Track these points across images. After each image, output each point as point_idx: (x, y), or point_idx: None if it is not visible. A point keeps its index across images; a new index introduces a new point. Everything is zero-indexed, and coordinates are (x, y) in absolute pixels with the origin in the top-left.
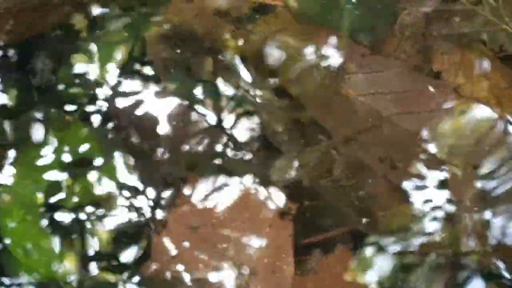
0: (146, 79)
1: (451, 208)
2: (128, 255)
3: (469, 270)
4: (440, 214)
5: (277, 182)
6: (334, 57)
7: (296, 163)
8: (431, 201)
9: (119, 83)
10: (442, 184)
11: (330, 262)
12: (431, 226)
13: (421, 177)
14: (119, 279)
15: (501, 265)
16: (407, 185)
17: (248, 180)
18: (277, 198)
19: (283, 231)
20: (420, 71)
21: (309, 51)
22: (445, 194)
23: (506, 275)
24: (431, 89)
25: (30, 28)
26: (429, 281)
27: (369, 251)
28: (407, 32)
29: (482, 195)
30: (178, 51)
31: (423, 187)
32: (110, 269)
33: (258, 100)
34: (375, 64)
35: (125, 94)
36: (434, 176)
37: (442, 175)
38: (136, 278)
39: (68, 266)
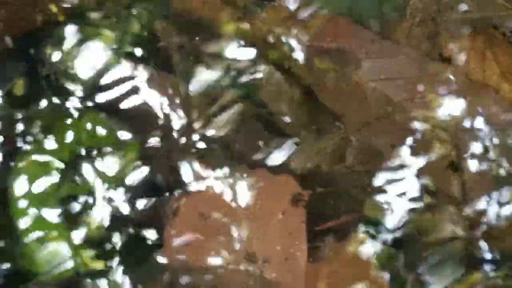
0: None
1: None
2: (138, 241)
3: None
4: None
5: (296, 169)
6: (343, 43)
7: (313, 151)
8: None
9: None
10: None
11: (342, 248)
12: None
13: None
14: (112, 265)
15: (484, 247)
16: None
17: (260, 166)
18: (290, 185)
19: (296, 218)
20: (431, 56)
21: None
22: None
23: (488, 256)
24: (442, 74)
25: (29, 19)
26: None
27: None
28: (417, 17)
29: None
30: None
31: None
32: (102, 257)
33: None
34: (385, 50)
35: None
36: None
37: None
38: (145, 265)
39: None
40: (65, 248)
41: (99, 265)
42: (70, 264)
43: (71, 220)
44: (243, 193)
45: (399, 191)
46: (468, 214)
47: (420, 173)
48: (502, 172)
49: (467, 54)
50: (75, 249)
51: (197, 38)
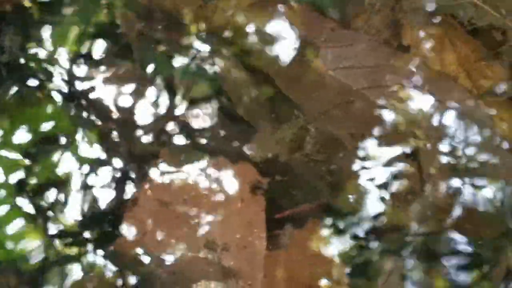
0: (96, 63)
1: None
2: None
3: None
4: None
5: (254, 158)
6: (302, 32)
7: (272, 140)
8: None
9: (72, 65)
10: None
11: (301, 236)
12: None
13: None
14: (83, 253)
15: (461, 240)
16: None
17: (220, 155)
18: (249, 173)
19: (255, 206)
20: (390, 45)
21: (276, 25)
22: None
23: (466, 249)
24: (401, 63)
25: None
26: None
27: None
28: (376, 6)
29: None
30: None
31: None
32: (74, 244)
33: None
34: (345, 38)
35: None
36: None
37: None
38: (103, 252)
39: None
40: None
41: (72, 251)
42: (41, 254)
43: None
44: (203, 181)
45: (368, 177)
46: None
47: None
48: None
49: (426, 43)
50: (46, 241)
51: (159, 27)
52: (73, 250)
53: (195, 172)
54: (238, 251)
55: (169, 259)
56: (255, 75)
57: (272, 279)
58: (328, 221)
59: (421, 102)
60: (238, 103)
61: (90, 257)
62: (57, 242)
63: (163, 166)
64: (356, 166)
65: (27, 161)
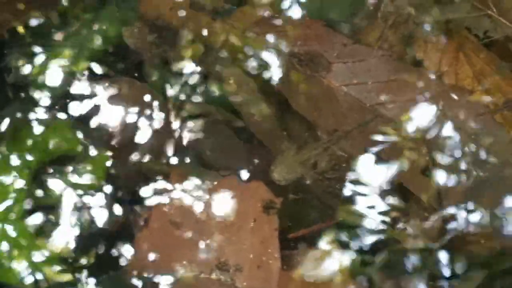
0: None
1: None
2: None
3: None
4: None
5: (279, 181)
6: (313, 47)
7: (296, 162)
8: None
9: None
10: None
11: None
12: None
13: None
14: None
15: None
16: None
17: (233, 174)
18: (261, 192)
19: (268, 225)
20: (403, 59)
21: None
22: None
23: (444, 271)
24: (414, 78)
25: None
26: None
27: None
28: (389, 20)
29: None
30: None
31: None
32: (70, 270)
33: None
34: (357, 54)
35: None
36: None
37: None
38: (112, 276)
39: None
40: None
41: (66, 277)
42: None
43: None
44: (215, 201)
45: (368, 202)
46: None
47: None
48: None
49: (440, 56)
50: (37, 266)
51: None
52: (68, 277)
53: (206, 192)
54: (251, 272)
55: (182, 282)
56: (264, 89)
57: None
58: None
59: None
60: (248, 121)
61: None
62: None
63: (173, 185)
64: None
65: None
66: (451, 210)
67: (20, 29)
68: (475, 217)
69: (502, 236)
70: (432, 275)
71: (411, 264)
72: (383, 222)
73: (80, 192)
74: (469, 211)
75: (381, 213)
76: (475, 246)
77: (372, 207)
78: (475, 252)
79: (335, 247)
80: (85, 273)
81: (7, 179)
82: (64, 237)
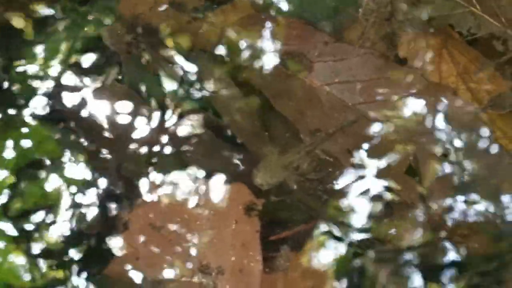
0: (86, 74)
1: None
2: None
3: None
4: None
5: (262, 186)
6: (294, 47)
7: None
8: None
9: (61, 81)
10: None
11: (299, 258)
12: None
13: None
14: (69, 276)
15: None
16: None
17: (213, 176)
18: (242, 194)
19: (250, 227)
20: (386, 57)
21: (268, 41)
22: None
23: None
24: (398, 76)
25: None
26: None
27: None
28: (371, 18)
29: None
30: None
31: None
32: (60, 267)
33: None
34: (339, 52)
35: (69, 90)
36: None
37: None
38: (93, 277)
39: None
40: (21, 260)
41: (58, 274)
42: (27, 276)
43: (26, 235)
44: (195, 203)
45: (360, 190)
46: (431, 216)
47: (380, 174)
48: (464, 176)
49: (423, 54)
50: (31, 262)
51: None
52: (59, 273)
53: (187, 193)
54: (233, 275)
55: (162, 285)
56: (246, 90)
57: None
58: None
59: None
60: (229, 122)
61: (75, 281)
62: (41, 263)
63: (154, 185)
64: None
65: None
66: (448, 201)
67: (19, 23)
68: (473, 208)
69: (500, 227)
70: (428, 267)
71: (405, 258)
72: (371, 217)
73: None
74: (467, 203)
75: (373, 198)
76: (473, 238)
77: (367, 191)
78: (473, 244)
79: (327, 239)
80: (75, 268)
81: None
82: (55, 232)
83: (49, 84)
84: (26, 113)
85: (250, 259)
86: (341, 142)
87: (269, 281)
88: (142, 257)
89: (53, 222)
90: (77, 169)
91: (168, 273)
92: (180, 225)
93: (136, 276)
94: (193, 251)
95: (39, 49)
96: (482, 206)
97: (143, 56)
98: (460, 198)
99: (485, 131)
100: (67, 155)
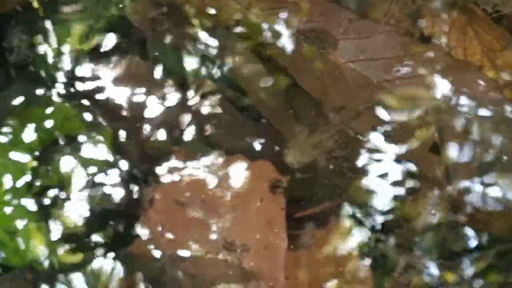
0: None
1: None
2: (111, 232)
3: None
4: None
5: (292, 164)
6: (319, 24)
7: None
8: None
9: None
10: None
11: (323, 235)
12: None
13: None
14: (91, 257)
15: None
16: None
17: (239, 153)
18: (267, 171)
19: (275, 205)
20: (411, 35)
21: (292, 19)
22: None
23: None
24: (422, 53)
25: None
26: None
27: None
28: None
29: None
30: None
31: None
32: (80, 249)
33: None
34: (364, 30)
35: (85, 79)
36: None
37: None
38: (118, 254)
39: (37, 249)
40: (40, 243)
41: (76, 258)
42: (45, 261)
43: (45, 214)
44: (221, 180)
45: (380, 173)
46: (452, 198)
47: (401, 157)
48: (487, 156)
49: (448, 32)
50: (51, 246)
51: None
52: (78, 257)
53: (212, 171)
54: (258, 252)
55: (187, 262)
56: (270, 67)
57: (294, 280)
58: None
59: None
60: (254, 100)
61: (96, 263)
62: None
63: (178, 164)
64: (366, 159)
65: (34, 163)
66: (466, 183)
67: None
68: (491, 191)
69: None
70: (446, 251)
71: (424, 242)
72: (395, 198)
73: (91, 169)
74: (486, 185)
75: (394, 183)
76: (491, 222)
77: (385, 174)
78: (490, 228)
79: (350, 224)
80: (97, 250)
81: (21, 156)
82: (76, 214)
83: (70, 65)
84: (50, 92)
85: (275, 237)
86: (367, 120)
87: (293, 258)
88: (167, 234)
89: (69, 199)
90: (99, 150)
91: (193, 251)
92: (205, 203)
93: (165, 253)
94: (218, 229)
95: (59, 29)
96: (501, 190)
97: (167, 34)
98: (481, 180)
99: (509, 108)
100: (89, 135)
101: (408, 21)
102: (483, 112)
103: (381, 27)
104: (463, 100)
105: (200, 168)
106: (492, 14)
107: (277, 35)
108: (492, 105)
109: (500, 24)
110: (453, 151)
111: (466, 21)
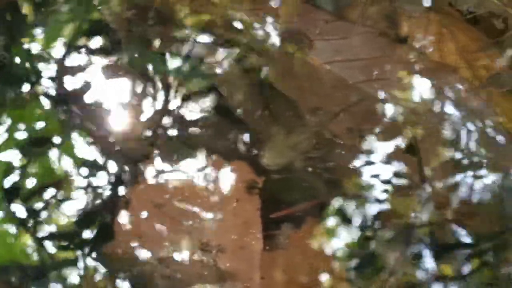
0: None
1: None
2: (89, 234)
3: (420, 243)
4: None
5: (269, 166)
6: (296, 25)
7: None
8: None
9: (65, 61)
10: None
11: (299, 236)
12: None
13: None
14: (78, 255)
15: (462, 231)
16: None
17: (213, 155)
18: (243, 172)
19: (251, 205)
20: (387, 36)
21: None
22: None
23: (466, 241)
24: (398, 54)
25: None
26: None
27: (332, 220)
28: None
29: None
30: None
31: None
32: (69, 247)
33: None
34: (340, 31)
35: (72, 72)
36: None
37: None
38: (96, 254)
39: (26, 247)
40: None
41: (67, 255)
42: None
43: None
44: (197, 181)
45: (371, 173)
46: (438, 197)
47: (389, 158)
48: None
49: (424, 33)
50: (40, 243)
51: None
52: (69, 254)
53: (188, 172)
54: (234, 253)
55: (163, 262)
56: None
57: (270, 280)
58: (335, 205)
59: (421, 90)
60: (231, 99)
61: (83, 261)
62: (50, 245)
63: (156, 164)
64: (359, 161)
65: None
66: (451, 181)
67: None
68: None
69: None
70: (437, 247)
71: (416, 238)
72: (386, 191)
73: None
74: (476, 177)
75: (384, 181)
76: (480, 218)
77: (376, 175)
78: (480, 224)
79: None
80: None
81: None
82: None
83: (53, 66)
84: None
85: (251, 237)
86: (343, 122)
87: (269, 258)
88: (143, 234)
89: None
90: (81, 151)
91: (169, 251)
92: (182, 204)
93: (140, 254)
94: (194, 230)
95: (41, 31)
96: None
97: (147, 34)
98: (463, 178)
99: (488, 112)
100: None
101: (384, 22)
102: (460, 113)
103: (357, 28)
104: (440, 101)
105: (177, 169)
106: (467, 15)
107: (255, 36)
108: (468, 106)
109: (475, 26)
110: (429, 152)
111: (442, 22)
